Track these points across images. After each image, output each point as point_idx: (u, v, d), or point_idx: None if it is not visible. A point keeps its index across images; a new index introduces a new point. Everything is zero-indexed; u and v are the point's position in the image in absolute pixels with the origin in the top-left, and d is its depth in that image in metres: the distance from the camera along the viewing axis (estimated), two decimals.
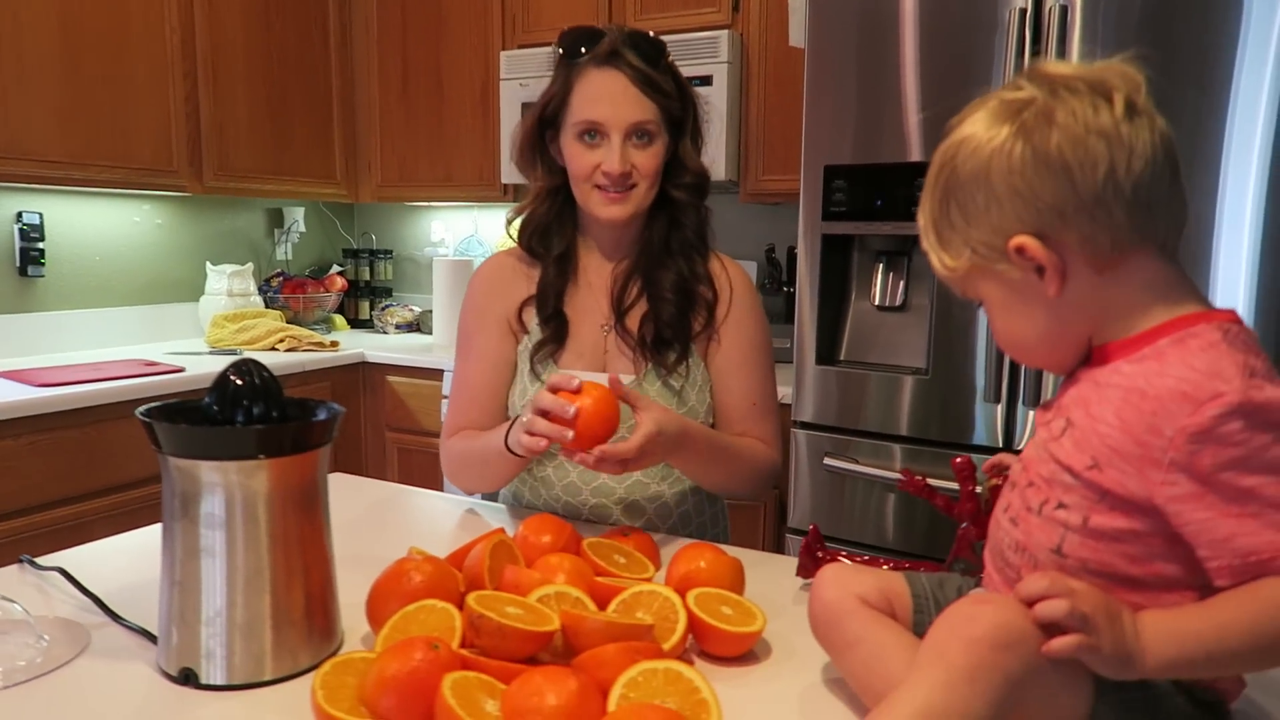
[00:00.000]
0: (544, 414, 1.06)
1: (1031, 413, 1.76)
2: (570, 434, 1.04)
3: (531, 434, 1.06)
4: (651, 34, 1.26)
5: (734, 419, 1.33)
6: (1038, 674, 0.61)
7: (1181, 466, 0.62)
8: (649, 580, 0.96)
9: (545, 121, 1.28)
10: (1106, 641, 0.61)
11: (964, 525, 0.94)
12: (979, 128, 0.70)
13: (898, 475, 1.90)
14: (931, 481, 0.99)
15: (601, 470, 1.08)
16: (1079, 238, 0.67)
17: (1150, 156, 0.67)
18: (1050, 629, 0.62)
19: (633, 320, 1.30)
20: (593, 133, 1.22)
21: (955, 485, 0.95)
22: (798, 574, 1.03)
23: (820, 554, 1.01)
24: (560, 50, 1.25)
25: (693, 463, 1.22)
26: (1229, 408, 0.61)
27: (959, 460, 0.94)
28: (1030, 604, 0.63)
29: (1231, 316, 0.68)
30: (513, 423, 1.18)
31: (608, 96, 1.21)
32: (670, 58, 1.26)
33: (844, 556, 1.02)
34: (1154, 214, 0.68)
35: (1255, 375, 0.62)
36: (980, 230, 0.70)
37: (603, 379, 1.10)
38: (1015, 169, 0.67)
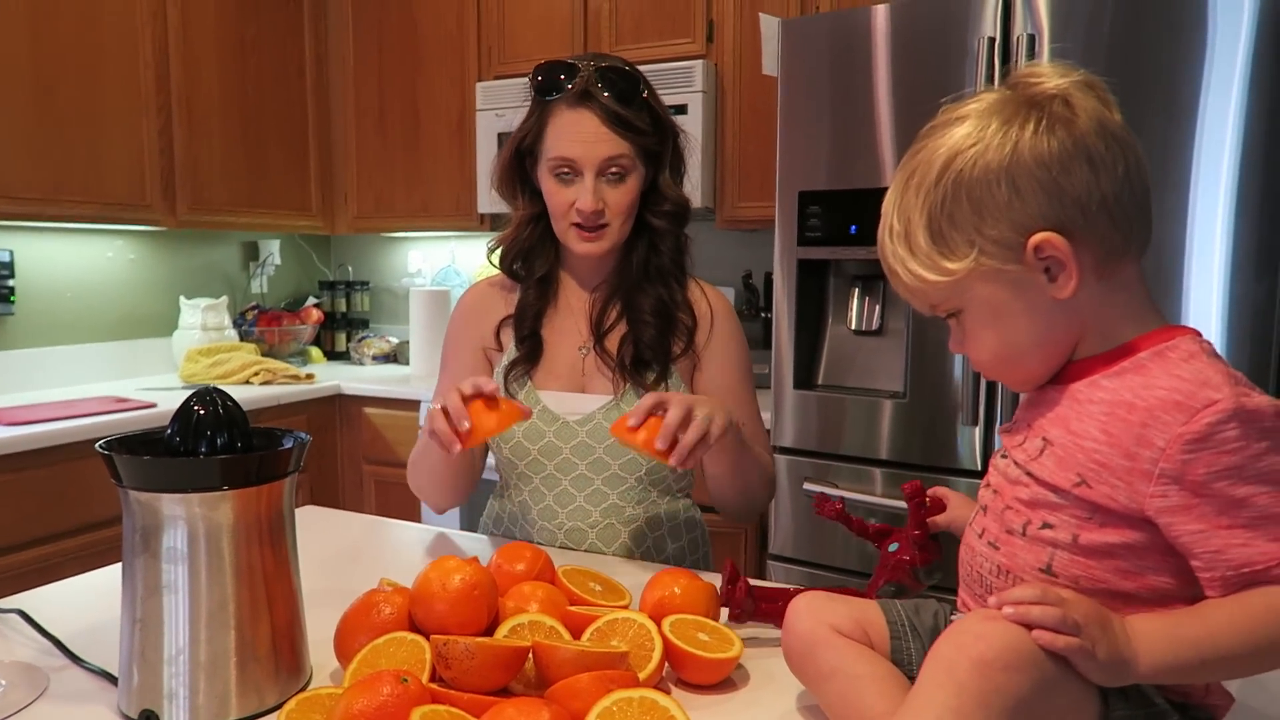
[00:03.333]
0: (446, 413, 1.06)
1: None
2: (457, 447, 1.04)
3: (431, 431, 1.07)
4: (627, 67, 1.25)
5: None
6: (1049, 695, 0.60)
7: (1173, 477, 0.62)
8: (625, 607, 0.95)
9: (523, 153, 1.29)
10: (1101, 648, 0.60)
11: (894, 547, 0.93)
12: (991, 123, 0.68)
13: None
14: (846, 496, 0.96)
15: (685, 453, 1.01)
16: (1096, 237, 0.67)
17: (1146, 165, 0.68)
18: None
19: (612, 342, 1.30)
20: (566, 170, 1.23)
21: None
22: (731, 618, 0.94)
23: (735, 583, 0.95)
24: (535, 85, 1.25)
25: (731, 451, 1.16)
26: (1224, 414, 0.61)
27: (908, 485, 0.94)
28: (1018, 611, 0.61)
29: (1196, 332, 0.69)
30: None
31: (579, 136, 1.21)
32: (646, 93, 1.25)
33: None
34: (1148, 222, 0.69)
35: (1240, 384, 0.63)
36: (997, 227, 0.67)
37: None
38: (1044, 161, 0.66)
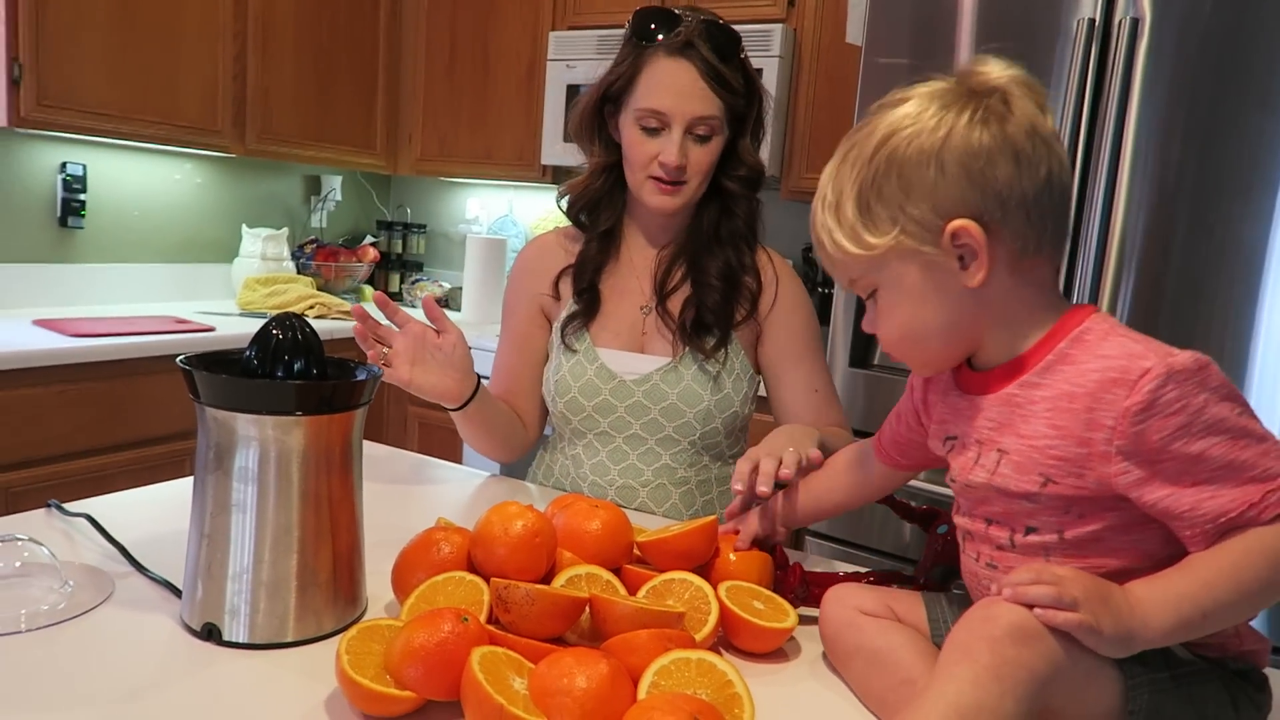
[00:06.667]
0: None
1: None
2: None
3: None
4: (729, 25, 1.22)
5: (799, 409, 1.29)
6: (1062, 667, 0.61)
7: (1129, 452, 0.64)
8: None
9: (608, 98, 1.26)
10: (1106, 623, 0.61)
11: (943, 529, 0.93)
12: (930, 107, 0.70)
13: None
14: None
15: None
16: (1011, 232, 0.69)
17: (1069, 171, 0.71)
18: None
19: (674, 303, 1.29)
20: (655, 122, 1.20)
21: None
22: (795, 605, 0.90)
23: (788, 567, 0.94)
24: (634, 28, 1.22)
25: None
26: (1160, 378, 0.63)
27: None
28: (1016, 592, 0.63)
29: (1095, 307, 0.71)
30: None
31: (675, 87, 1.18)
32: (745, 53, 1.23)
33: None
34: (1064, 226, 0.72)
35: (1158, 346, 0.66)
36: (920, 208, 0.69)
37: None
38: (973, 150, 0.67)
